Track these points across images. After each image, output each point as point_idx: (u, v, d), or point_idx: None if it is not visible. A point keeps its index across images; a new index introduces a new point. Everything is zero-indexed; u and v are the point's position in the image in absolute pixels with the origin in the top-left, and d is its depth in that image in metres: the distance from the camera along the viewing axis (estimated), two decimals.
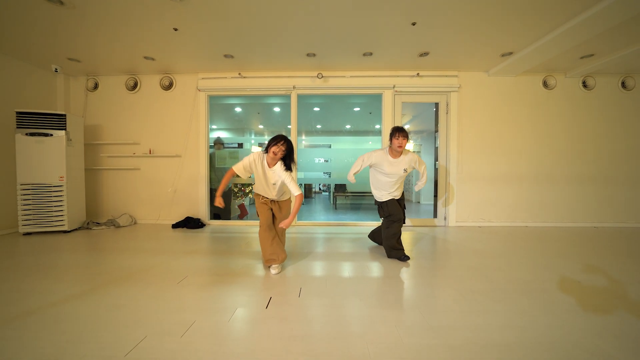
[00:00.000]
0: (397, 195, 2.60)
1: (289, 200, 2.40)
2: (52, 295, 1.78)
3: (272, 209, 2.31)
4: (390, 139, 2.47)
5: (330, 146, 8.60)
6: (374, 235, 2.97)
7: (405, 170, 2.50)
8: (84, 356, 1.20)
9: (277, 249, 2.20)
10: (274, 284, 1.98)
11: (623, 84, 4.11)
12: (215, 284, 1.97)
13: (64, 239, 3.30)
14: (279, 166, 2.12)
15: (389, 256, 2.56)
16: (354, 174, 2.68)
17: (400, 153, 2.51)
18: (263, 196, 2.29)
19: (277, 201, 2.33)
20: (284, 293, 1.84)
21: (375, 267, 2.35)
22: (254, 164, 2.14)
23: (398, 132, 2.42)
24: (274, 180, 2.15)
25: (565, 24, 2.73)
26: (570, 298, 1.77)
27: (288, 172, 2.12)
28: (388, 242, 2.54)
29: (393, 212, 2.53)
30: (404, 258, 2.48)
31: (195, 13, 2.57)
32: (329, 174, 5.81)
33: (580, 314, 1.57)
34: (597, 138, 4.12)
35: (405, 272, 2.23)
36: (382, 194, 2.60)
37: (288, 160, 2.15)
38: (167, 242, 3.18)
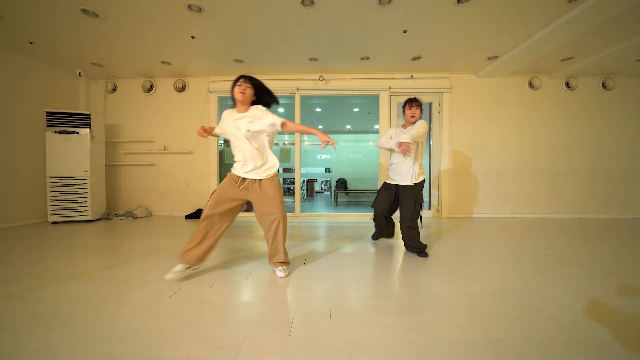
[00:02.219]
0: (402, 179, 2.33)
1: (275, 179, 1.83)
2: (96, 264, 2.10)
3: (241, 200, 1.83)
4: (403, 111, 2.38)
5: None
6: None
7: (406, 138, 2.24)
8: (135, 298, 1.52)
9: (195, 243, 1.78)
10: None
11: (603, 85, 4.42)
12: (232, 258, 2.28)
13: (89, 227, 3.63)
14: (255, 109, 1.79)
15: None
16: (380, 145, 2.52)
17: (412, 124, 2.34)
18: (238, 176, 1.82)
19: (258, 180, 1.80)
20: (292, 262, 2.15)
21: (371, 246, 2.66)
22: (224, 121, 1.83)
23: (410, 102, 2.31)
24: (247, 126, 1.74)
25: (543, 30, 3.04)
26: (538, 268, 2.07)
27: (263, 109, 1.78)
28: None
29: (374, 206, 2.57)
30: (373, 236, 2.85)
31: (211, 23, 2.92)
32: (331, 170, 6.12)
33: (542, 277, 1.88)
34: (580, 135, 4.42)
35: (399, 250, 2.54)
36: (388, 172, 2.51)
37: (267, 98, 1.86)
38: (184, 229, 3.50)
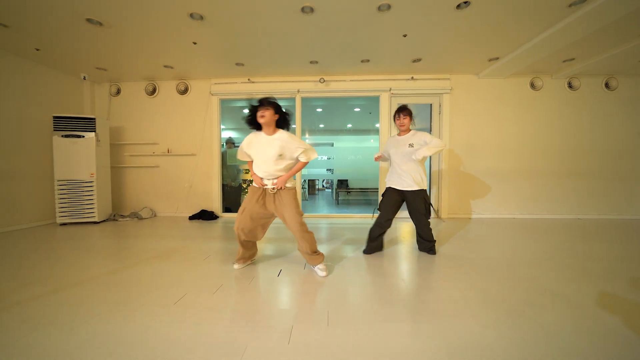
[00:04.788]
0: (403, 184, 2.44)
1: (293, 190, 2.04)
2: (102, 268, 2.19)
3: (266, 204, 2.03)
4: (394, 120, 2.53)
5: (332, 144, 8.99)
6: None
7: (411, 145, 2.41)
8: (144, 304, 1.60)
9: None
10: (284, 260, 2.36)
11: (607, 85, 4.39)
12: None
13: (96, 228, 3.73)
14: (284, 134, 1.95)
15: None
16: (379, 158, 2.74)
17: (407, 132, 2.49)
18: (259, 187, 2.04)
19: (278, 190, 1.99)
20: (294, 267, 2.23)
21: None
22: (252, 141, 2.02)
23: (399, 111, 2.45)
24: (280, 150, 1.92)
25: (543, 33, 3.03)
26: (533, 271, 2.12)
27: (295, 137, 1.98)
28: (371, 231, 2.61)
29: (381, 210, 2.55)
30: (366, 250, 2.60)
31: (213, 30, 2.96)
32: (332, 171, 6.17)
33: (531, 285, 1.93)
34: (581, 135, 4.41)
35: (396, 252, 2.60)
36: (389, 178, 2.58)
37: (285, 125, 2.01)
38: (188, 230, 3.59)
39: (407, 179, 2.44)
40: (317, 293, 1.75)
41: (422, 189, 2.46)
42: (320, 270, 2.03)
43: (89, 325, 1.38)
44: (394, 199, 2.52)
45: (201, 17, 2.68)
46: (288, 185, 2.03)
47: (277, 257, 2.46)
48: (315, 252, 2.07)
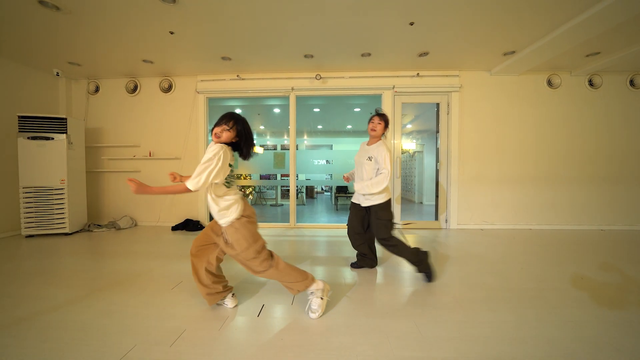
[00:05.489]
0: (362, 199, 2.20)
1: (235, 223, 1.49)
2: (46, 301, 1.79)
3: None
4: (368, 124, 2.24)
5: (331, 147, 8.57)
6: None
7: (370, 158, 2.14)
8: None
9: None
10: (268, 291, 1.96)
11: (631, 82, 3.99)
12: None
13: (65, 241, 3.33)
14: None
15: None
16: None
17: (376, 140, 2.19)
18: None
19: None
20: (281, 299, 1.82)
21: (372, 272, 2.32)
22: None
23: (374, 115, 2.21)
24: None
25: (566, 24, 2.66)
26: (570, 308, 1.72)
27: (211, 151, 1.44)
28: None
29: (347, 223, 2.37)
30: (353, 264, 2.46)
31: (190, 16, 2.56)
32: (330, 176, 5.75)
33: (578, 325, 1.52)
34: (603, 138, 4.00)
35: (398, 278, 2.19)
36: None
37: (244, 148, 1.56)
38: (166, 245, 3.18)
39: (360, 193, 2.21)
40: (301, 351, 1.35)
41: (376, 204, 2.12)
42: (312, 310, 1.60)
43: None
44: (355, 211, 2.31)
45: (173, 0, 2.29)
46: (230, 217, 1.48)
47: (263, 285, 2.06)
48: (292, 282, 1.58)
